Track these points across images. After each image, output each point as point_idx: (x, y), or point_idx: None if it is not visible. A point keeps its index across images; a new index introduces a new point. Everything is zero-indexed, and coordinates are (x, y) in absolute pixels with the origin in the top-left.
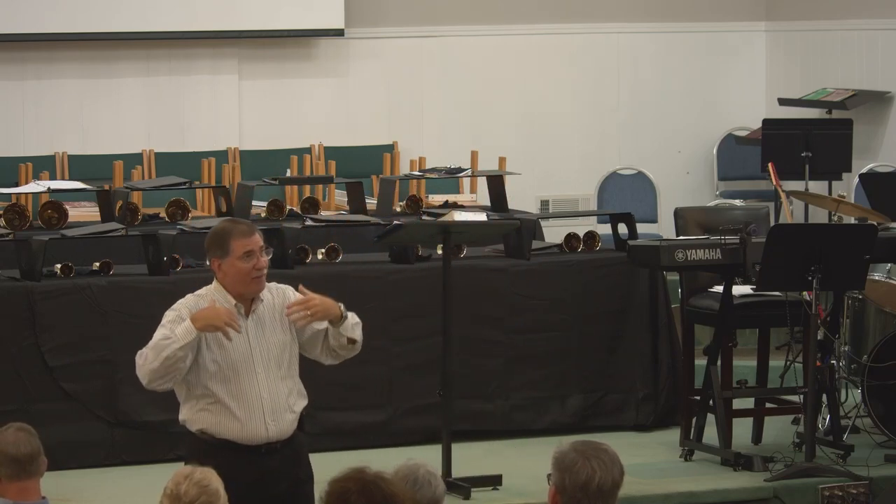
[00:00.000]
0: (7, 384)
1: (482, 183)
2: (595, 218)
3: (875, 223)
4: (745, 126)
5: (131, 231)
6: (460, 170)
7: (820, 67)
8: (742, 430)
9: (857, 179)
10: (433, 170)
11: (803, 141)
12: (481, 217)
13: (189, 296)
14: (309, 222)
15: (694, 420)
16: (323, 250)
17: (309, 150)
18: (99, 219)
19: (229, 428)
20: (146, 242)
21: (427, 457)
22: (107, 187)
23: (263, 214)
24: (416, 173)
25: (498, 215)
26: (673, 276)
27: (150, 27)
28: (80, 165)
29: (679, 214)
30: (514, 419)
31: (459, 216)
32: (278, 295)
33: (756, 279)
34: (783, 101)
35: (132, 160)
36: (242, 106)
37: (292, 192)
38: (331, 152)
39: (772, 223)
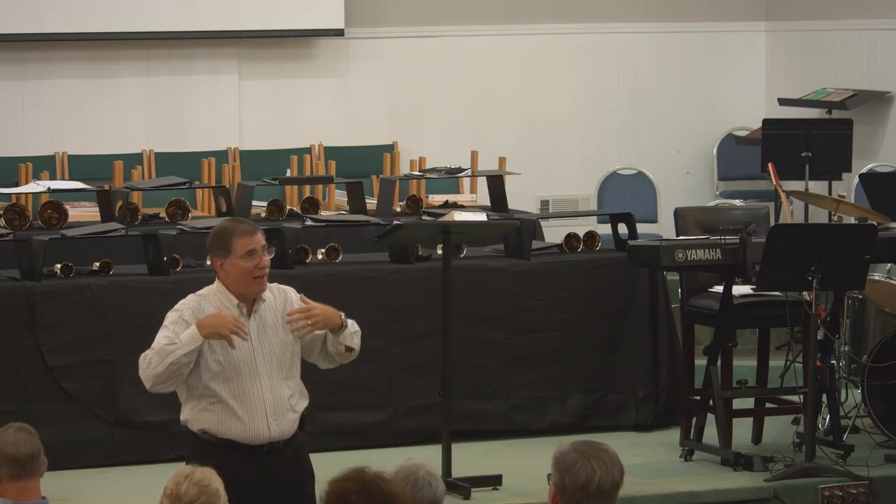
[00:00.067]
0: (7, 384)
1: (482, 183)
2: (595, 218)
3: (875, 223)
4: (745, 126)
5: (131, 231)
6: (460, 170)
7: (820, 67)
8: (742, 430)
9: (857, 179)
10: (433, 170)
11: (803, 141)
12: (481, 217)
13: (191, 296)
14: (309, 222)
15: (694, 420)
16: (323, 250)
17: (309, 150)
18: (99, 219)
19: (232, 428)
20: (146, 242)
21: (427, 457)
22: (107, 187)
23: (263, 214)
24: (416, 173)
25: (498, 215)
26: (673, 276)
27: (150, 27)
28: (80, 165)
29: (679, 214)
30: (514, 419)
31: (459, 216)
32: (280, 295)
33: (756, 279)
34: (783, 101)
35: (132, 160)
36: (242, 106)
37: (292, 192)
38: (331, 152)
39: (772, 223)
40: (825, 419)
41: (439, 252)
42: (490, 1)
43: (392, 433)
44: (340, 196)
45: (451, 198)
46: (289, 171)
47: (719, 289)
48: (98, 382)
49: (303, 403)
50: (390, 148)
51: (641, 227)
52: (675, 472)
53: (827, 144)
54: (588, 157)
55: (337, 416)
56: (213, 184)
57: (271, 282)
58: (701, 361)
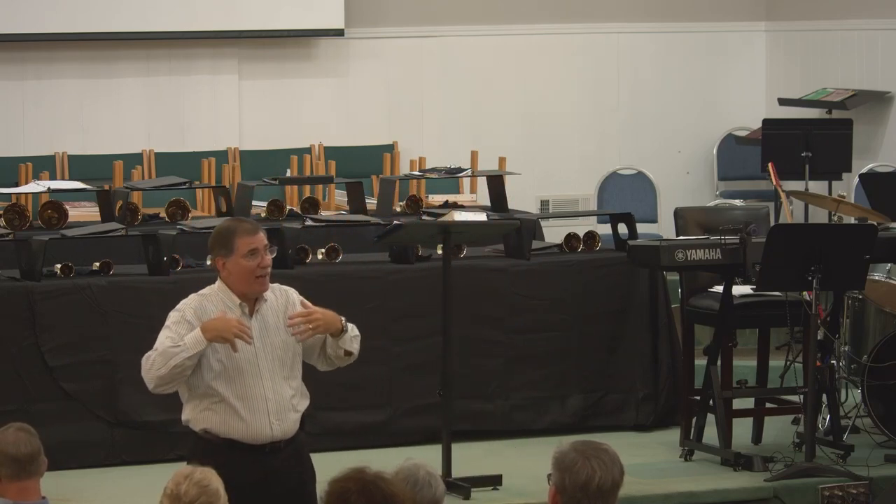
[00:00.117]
0: (7, 384)
1: (482, 183)
2: (595, 218)
3: (875, 223)
4: (745, 126)
5: (131, 231)
6: (460, 170)
7: (820, 67)
8: (742, 430)
9: (857, 179)
10: (433, 170)
11: (803, 141)
12: (481, 217)
13: (193, 295)
14: (309, 222)
15: (694, 420)
16: (323, 250)
17: (309, 150)
18: (99, 219)
19: (234, 427)
20: (146, 242)
21: (427, 457)
22: (107, 187)
23: (263, 214)
24: (416, 173)
25: (498, 215)
26: (673, 276)
27: (150, 27)
28: (80, 165)
29: (679, 214)
30: (514, 419)
31: (459, 216)
32: (281, 296)
33: (756, 279)
34: (783, 101)
35: (132, 160)
36: (242, 106)
37: (292, 192)
38: (331, 152)
39: (772, 223)
40: (825, 419)
41: (439, 252)
42: (490, 1)
43: (392, 433)
44: (340, 196)
45: (451, 198)
46: (289, 171)
47: (719, 289)
48: (98, 382)
49: (304, 403)
50: (390, 148)
51: (641, 227)
52: (675, 472)
53: (827, 144)
54: (588, 157)
55: (337, 416)
56: (213, 184)
57: (272, 282)
58: (701, 361)
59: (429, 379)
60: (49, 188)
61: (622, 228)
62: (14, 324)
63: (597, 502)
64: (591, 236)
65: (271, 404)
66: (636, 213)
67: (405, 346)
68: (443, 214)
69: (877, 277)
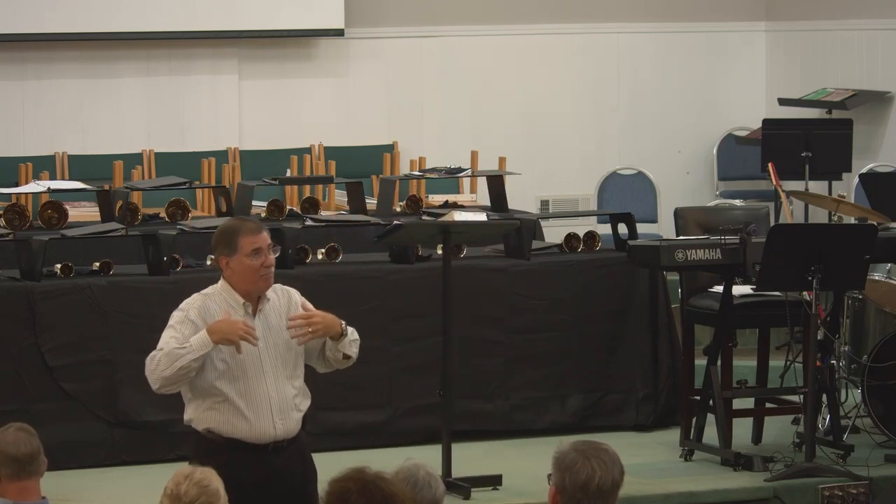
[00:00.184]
0: (7, 384)
1: (482, 183)
2: (595, 218)
3: (875, 223)
4: (745, 126)
5: (131, 231)
6: (460, 170)
7: (820, 67)
8: (742, 430)
9: (857, 179)
10: (433, 170)
11: (803, 141)
12: (481, 217)
13: (196, 295)
14: (309, 222)
15: (694, 420)
16: (323, 250)
17: (309, 150)
18: (99, 219)
19: (238, 427)
20: (146, 242)
21: (427, 457)
22: (107, 187)
23: (263, 214)
24: (416, 173)
25: (498, 215)
26: (673, 276)
27: (150, 27)
28: (80, 165)
29: (679, 214)
30: (514, 419)
31: (459, 216)
32: (283, 296)
33: (756, 279)
34: (783, 101)
35: (132, 160)
36: (242, 106)
37: (292, 192)
38: (331, 152)
39: (772, 223)
40: (825, 419)
41: (439, 252)
42: (490, 1)
43: (392, 433)
44: (340, 196)
45: (451, 198)
46: (289, 171)
47: (719, 289)
48: (98, 382)
49: (306, 403)
50: (390, 148)
51: (641, 227)
52: (675, 472)
53: (827, 144)
54: (588, 157)
55: (337, 416)
56: (213, 184)
57: (273, 282)
58: (701, 361)
59: (429, 379)
60: (49, 188)
61: (622, 228)
62: (14, 324)
63: (597, 502)
64: (591, 236)
65: (274, 404)
66: (636, 213)
67: (405, 346)
68: (443, 214)
69: (877, 277)
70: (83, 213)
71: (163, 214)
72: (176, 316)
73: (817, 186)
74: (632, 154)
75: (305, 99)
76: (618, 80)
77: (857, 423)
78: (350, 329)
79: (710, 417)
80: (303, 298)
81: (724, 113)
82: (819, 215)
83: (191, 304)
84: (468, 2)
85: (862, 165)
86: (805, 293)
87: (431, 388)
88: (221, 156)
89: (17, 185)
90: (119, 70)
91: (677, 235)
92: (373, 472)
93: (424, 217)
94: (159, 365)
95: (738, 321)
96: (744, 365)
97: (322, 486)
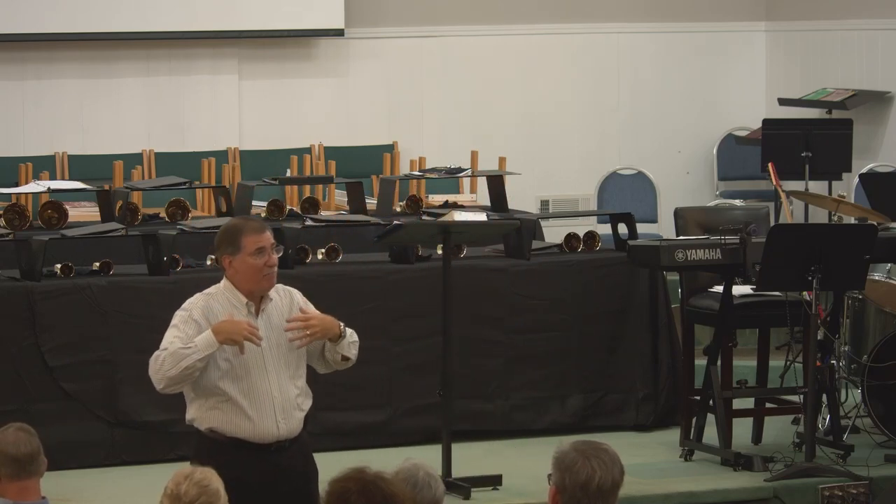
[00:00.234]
0: (7, 384)
1: (482, 183)
2: (595, 218)
3: (875, 223)
4: (745, 126)
5: (131, 231)
6: (460, 170)
7: (820, 67)
8: (742, 430)
9: (857, 179)
10: (433, 170)
11: (803, 141)
12: (481, 217)
13: (198, 294)
14: (309, 222)
15: (694, 420)
16: (323, 250)
17: (309, 150)
18: (99, 219)
19: (241, 426)
20: (146, 242)
21: (427, 457)
22: (107, 187)
23: (263, 214)
24: (416, 173)
25: (498, 215)
26: (673, 276)
27: (150, 27)
28: (80, 165)
29: (679, 214)
30: (514, 419)
31: (459, 216)
32: (286, 297)
33: (756, 279)
34: (783, 101)
35: (132, 160)
36: (242, 106)
37: (292, 192)
38: (331, 152)
39: (772, 223)
40: (825, 419)
41: (439, 252)
42: (490, 1)
43: (392, 433)
44: (340, 196)
45: (451, 198)
46: (289, 171)
47: (719, 289)
48: (98, 382)
49: (308, 403)
50: (390, 148)
51: (641, 227)
52: (675, 472)
53: (827, 144)
54: (588, 157)
55: (337, 416)
56: (213, 184)
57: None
58: (701, 361)
59: (429, 379)
60: (49, 188)
61: (622, 228)
62: (14, 324)
63: (597, 502)
64: (591, 236)
65: (277, 403)
66: (636, 213)
67: (405, 346)
68: (443, 214)
69: (877, 277)
70: (83, 213)
71: (163, 214)
72: (179, 315)
73: (817, 186)
74: (632, 154)
75: (305, 99)
76: (618, 80)
77: (857, 423)
78: (349, 331)
79: (710, 417)
80: (304, 299)
81: (724, 113)
82: (819, 215)
83: (194, 304)
84: (468, 2)
85: (862, 165)
86: (805, 293)
87: (431, 388)
88: (221, 156)
89: (17, 185)
90: (119, 70)
91: (677, 235)
92: (373, 472)
93: (424, 217)
94: (164, 365)
95: (738, 321)
96: (744, 365)
97: (322, 486)
